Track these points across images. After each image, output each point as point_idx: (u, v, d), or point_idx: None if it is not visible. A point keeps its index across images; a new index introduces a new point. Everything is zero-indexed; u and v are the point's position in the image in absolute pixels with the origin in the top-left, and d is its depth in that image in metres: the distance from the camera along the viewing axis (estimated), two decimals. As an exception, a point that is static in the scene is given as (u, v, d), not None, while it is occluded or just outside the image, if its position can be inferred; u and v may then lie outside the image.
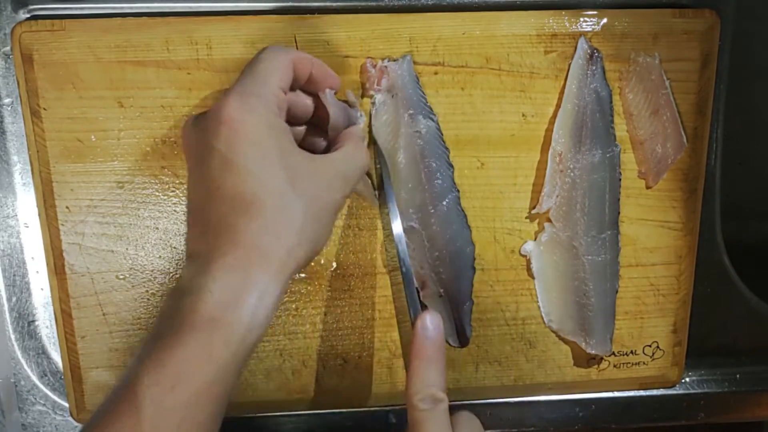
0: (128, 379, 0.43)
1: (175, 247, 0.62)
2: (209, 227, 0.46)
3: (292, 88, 0.53)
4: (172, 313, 0.44)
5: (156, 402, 0.42)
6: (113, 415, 0.42)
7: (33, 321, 0.65)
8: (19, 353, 0.65)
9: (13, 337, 0.65)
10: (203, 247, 0.46)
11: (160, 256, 0.62)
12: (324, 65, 0.55)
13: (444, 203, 0.61)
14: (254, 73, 0.49)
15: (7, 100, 0.61)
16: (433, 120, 0.61)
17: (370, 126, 0.61)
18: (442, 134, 0.62)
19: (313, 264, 0.63)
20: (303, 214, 0.47)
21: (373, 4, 0.63)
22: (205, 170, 0.46)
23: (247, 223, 0.45)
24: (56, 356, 0.65)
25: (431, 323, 0.52)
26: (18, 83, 0.59)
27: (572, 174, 0.63)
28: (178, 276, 0.62)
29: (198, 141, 0.47)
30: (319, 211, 0.49)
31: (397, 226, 0.60)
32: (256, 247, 0.45)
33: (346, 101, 0.59)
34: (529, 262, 0.66)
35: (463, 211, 0.62)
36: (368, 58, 0.61)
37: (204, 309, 0.44)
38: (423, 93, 0.61)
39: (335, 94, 0.57)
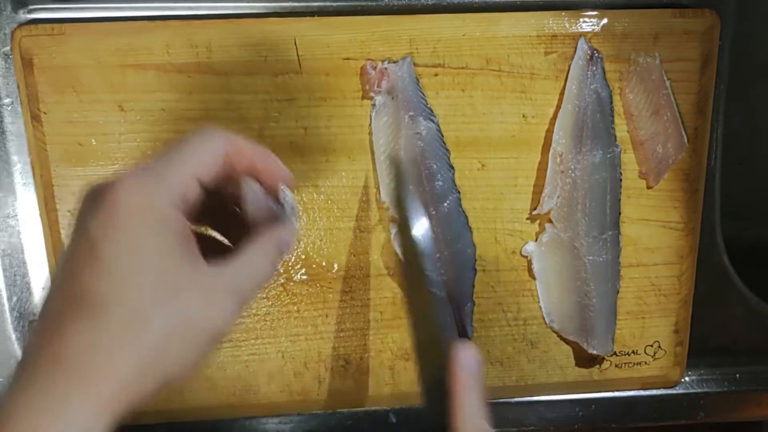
0: None
1: (176, 250, 0.62)
2: (45, 320, 0.37)
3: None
4: None
5: None
6: None
7: (34, 321, 0.65)
8: (19, 353, 0.65)
9: (13, 336, 0.65)
10: (32, 343, 0.37)
11: (161, 259, 0.62)
12: (272, 157, 0.45)
13: (445, 205, 0.61)
14: (169, 154, 0.41)
15: (7, 101, 0.61)
16: (433, 121, 0.61)
17: (370, 129, 0.62)
18: (442, 136, 0.62)
19: (314, 266, 0.63)
20: (160, 336, 0.37)
21: (373, 5, 0.63)
22: (70, 250, 0.38)
23: (79, 331, 0.36)
24: (57, 357, 0.65)
25: (468, 356, 0.48)
26: (18, 87, 0.59)
27: (573, 175, 0.63)
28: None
29: (79, 212, 0.39)
30: (187, 334, 0.38)
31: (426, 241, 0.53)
32: (79, 366, 0.35)
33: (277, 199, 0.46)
34: (530, 262, 0.66)
35: (464, 212, 0.63)
36: (368, 59, 0.61)
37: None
38: (423, 94, 0.61)
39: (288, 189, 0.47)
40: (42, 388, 0.35)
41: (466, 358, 0.47)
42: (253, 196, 0.44)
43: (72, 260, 0.37)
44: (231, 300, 0.40)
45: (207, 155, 0.42)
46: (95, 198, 0.38)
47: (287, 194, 0.47)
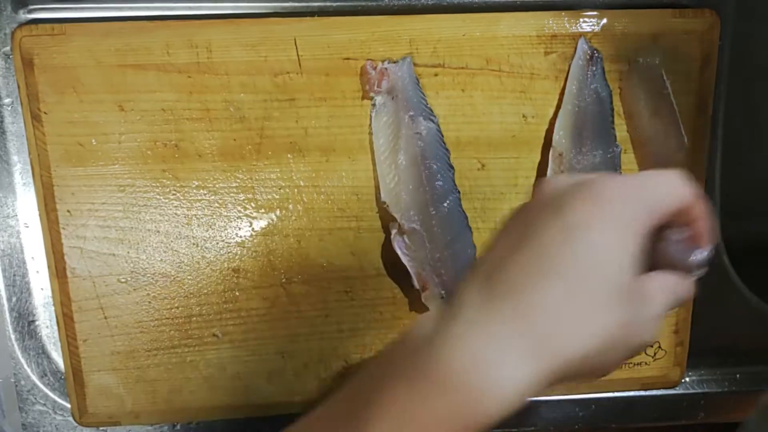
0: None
1: (176, 251, 0.62)
2: (506, 273, 0.39)
3: None
4: (422, 348, 0.38)
5: None
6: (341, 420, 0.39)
7: (33, 321, 0.65)
8: (19, 353, 0.65)
9: (13, 336, 0.65)
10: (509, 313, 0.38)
11: (161, 260, 0.62)
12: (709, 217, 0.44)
13: (445, 204, 0.61)
14: (654, 184, 0.41)
15: (7, 100, 0.61)
16: (433, 122, 0.61)
17: (370, 129, 0.62)
18: (442, 136, 0.62)
19: (314, 266, 0.63)
20: (610, 329, 0.38)
21: (373, 5, 0.63)
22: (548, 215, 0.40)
23: (545, 292, 0.37)
24: (56, 356, 0.65)
25: None
26: (18, 87, 0.59)
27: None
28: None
29: (562, 192, 0.41)
30: (623, 340, 0.40)
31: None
32: (537, 324, 0.37)
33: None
34: (530, 263, 0.66)
35: (464, 212, 0.62)
36: (368, 60, 0.61)
37: (455, 370, 0.36)
38: (423, 95, 0.61)
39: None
40: (525, 355, 0.36)
41: None
42: (675, 238, 0.44)
43: (546, 224, 0.39)
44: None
45: (673, 203, 0.41)
46: (583, 185, 0.40)
47: (703, 254, 0.45)
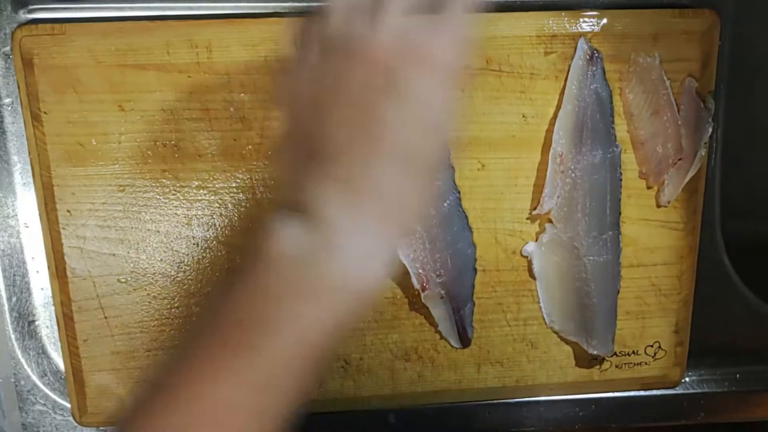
0: (254, 324, 0.40)
1: (176, 250, 0.62)
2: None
3: None
4: (311, 272, 0.40)
5: (285, 367, 0.40)
6: (230, 349, 0.40)
7: (33, 321, 0.65)
8: (19, 353, 0.65)
9: (13, 336, 0.65)
10: (340, 191, 0.40)
11: (161, 260, 0.62)
12: None
13: (445, 204, 0.61)
14: None
15: (7, 100, 0.61)
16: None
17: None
18: (442, 136, 0.62)
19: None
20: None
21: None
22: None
23: (423, 178, 0.42)
24: (56, 356, 0.65)
25: None
26: (18, 87, 0.59)
27: (573, 175, 0.63)
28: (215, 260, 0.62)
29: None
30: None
31: None
32: (406, 210, 0.42)
33: None
34: (530, 263, 0.66)
35: (464, 212, 0.62)
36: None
37: (353, 274, 0.40)
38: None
39: None
40: (369, 228, 0.41)
41: None
42: None
43: (391, 110, 0.40)
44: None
45: None
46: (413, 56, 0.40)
47: None
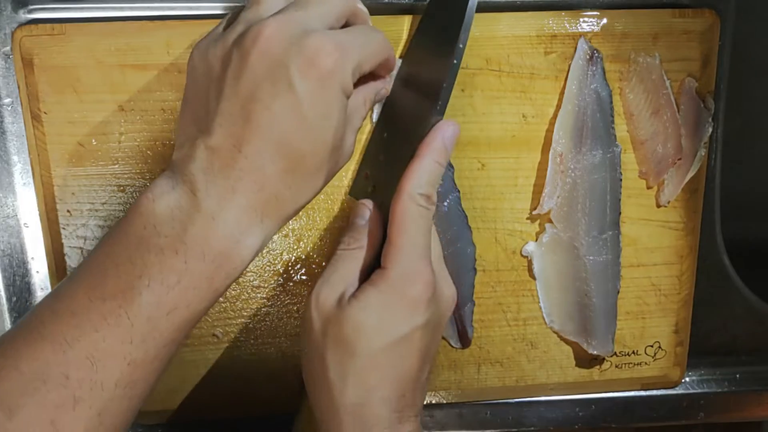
0: (125, 290, 0.43)
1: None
2: (256, 151, 0.45)
3: None
4: (176, 231, 0.44)
5: (152, 322, 0.43)
6: (105, 320, 0.43)
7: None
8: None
9: (13, 337, 0.65)
10: (226, 165, 0.45)
11: (161, 259, 0.62)
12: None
13: (445, 204, 0.61)
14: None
15: (7, 100, 0.61)
16: (432, 124, 0.61)
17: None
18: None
19: (314, 266, 0.63)
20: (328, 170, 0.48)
21: (374, 5, 0.63)
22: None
23: (293, 166, 0.46)
24: (57, 357, 0.65)
25: (453, 132, 0.51)
26: (18, 87, 0.59)
27: (573, 174, 0.63)
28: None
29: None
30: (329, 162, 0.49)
31: None
32: (284, 196, 0.46)
33: None
34: (530, 262, 0.66)
35: (464, 212, 0.62)
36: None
37: (216, 242, 0.44)
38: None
39: None
40: (249, 208, 0.45)
41: (446, 131, 0.51)
42: None
43: (272, 98, 0.44)
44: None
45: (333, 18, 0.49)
46: (301, 57, 0.45)
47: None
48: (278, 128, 0.44)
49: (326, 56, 0.44)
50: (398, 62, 0.57)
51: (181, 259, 0.43)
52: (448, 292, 0.54)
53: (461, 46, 0.52)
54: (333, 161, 0.48)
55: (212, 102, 0.45)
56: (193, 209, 0.44)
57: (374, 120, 0.60)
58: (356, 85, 0.49)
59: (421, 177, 0.50)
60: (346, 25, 0.51)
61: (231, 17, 0.49)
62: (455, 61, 0.52)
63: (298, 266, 0.64)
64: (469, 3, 0.52)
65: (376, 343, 0.48)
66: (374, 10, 0.61)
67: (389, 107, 0.58)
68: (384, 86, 0.55)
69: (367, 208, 0.55)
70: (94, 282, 0.44)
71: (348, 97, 0.47)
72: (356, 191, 0.57)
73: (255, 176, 0.45)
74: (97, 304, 0.43)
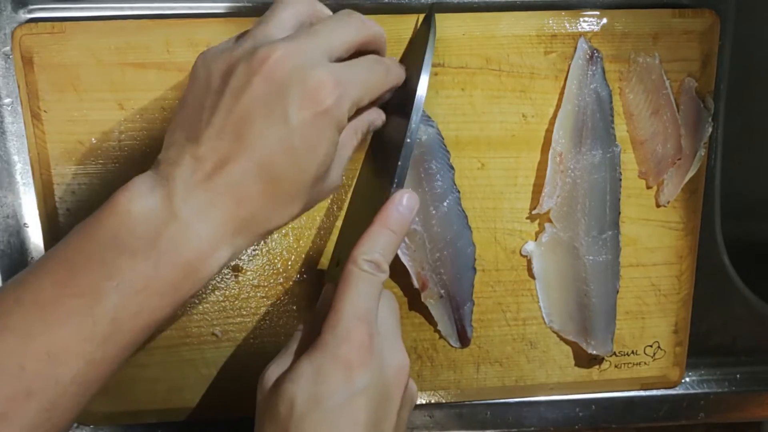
0: (93, 290, 0.43)
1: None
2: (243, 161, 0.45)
3: None
4: (150, 236, 0.44)
5: (115, 324, 0.44)
6: (69, 317, 0.43)
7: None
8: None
9: (13, 337, 0.65)
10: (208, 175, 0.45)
11: (160, 258, 0.62)
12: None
13: (445, 204, 0.61)
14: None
15: (7, 100, 0.61)
16: (432, 126, 0.61)
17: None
18: (442, 137, 0.61)
19: (314, 266, 0.63)
20: (305, 201, 0.48)
21: (373, 5, 0.63)
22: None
23: (273, 190, 0.46)
24: (57, 357, 0.65)
25: (408, 201, 0.51)
26: (18, 86, 0.59)
27: (573, 174, 0.63)
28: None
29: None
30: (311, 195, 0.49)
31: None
32: (259, 216, 0.46)
33: None
34: (529, 262, 0.66)
35: (463, 211, 0.62)
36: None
37: (187, 252, 0.44)
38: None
39: None
40: (227, 225, 0.45)
41: (401, 203, 0.51)
42: None
43: (266, 124, 0.45)
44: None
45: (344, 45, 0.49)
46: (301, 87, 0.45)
47: None
48: (266, 152, 0.44)
49: (326, 94, 0.45)
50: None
51: (151, 264, 0.43)
52: (396, 361, 0.49)
53: (413, 125, 0.52)
54: (315, 191, 0.48)
55: (206, 112, 0.45)
56: (169, 216, 0.44)
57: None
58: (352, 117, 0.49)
59: (370, 243, 0.49)
60: (357, 53, 0.50)
61: (240, 33, 0.49)
62: (408, 140, 0.52)
63: (298, 266, 0.64)
64: (420, 82, 0.53)
65: (309, 414, 0.45)
66: (375, 10, 0.61)
67: (360, 182, 0.58)
68: (379, 117, 0.55)
69: (328, 290, 0.54)
70: (63, 276, 0.43)
71: (340, 133, 0.47)
72: (329, 276, 0.57)
73: (235, 194, 0.45)
74: (64, 300, 0.43)
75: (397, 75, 0.53)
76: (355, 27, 0.49)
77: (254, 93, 0.44)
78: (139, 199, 0.44)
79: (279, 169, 0.45)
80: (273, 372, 0.49)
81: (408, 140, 0.52)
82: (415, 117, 0.53)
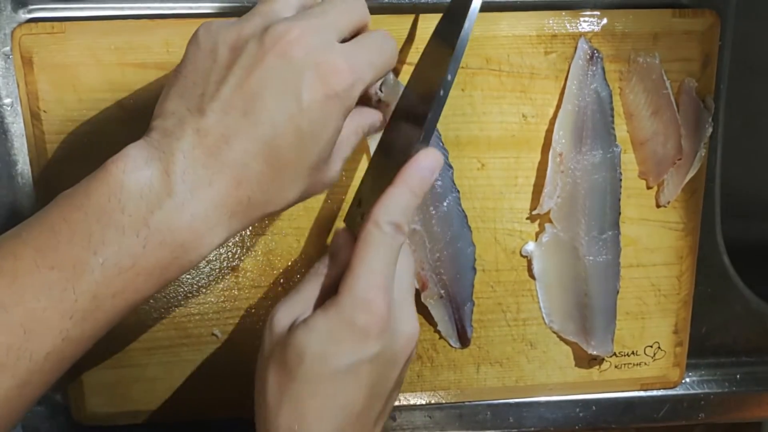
0: (76, 263, 0.41)
1: (175, 249, 0.62)
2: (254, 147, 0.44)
3: None
4: (142, 212, 0.42)
5: (96, 301, 0.42)
6: (49, 290, 0.41)
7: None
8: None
9: (13, 338, 0.65)
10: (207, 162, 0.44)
11: (160, 258, 0.62)
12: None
13: (444, 204, 0.61)
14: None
15: (7, 101, 0.61)
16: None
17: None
18: (440, 136, 0.62)
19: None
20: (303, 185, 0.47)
21: (373, 4, 0.62)
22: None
23: (274, 172, 0.45)
24: (56, 357, 0.65)
25: (431, 162, 0.49)
26: (18, 86, 0.59)
27: (573, 174, 0.63)
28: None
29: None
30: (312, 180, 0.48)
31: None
32: (257, 198, 0.45)
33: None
34: (530, 262, 0.66)
35: (463, 211, 0.62)
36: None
37: (179, 233, 0.43)
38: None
39: None
40: (224, 208, 0.44)
41: (423, 163, 0.49)
42: None
43: (276, 101, 0.44)
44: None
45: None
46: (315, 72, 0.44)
47: (389, 78, 0.56)
48: (272, 131, 0.44)
49: (340, 78, 0.44)
50: (401, 88, 0.57)
51: (140, 242, 0.42)
52: (408, 328, 0.50)
53: (449, 78, 0.51)
54: (313, 179, 0.47)
55: (212, 85, 0.44)
56: (163, 193, 0.42)
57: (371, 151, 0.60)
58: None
59: (391, 204, 0.48)
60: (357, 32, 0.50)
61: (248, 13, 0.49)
62: (441, 93, 0.51)
63: (298, 266, 0.64)
64: (461, 34, 0.51)
65: (316, 370, 0.46)
66: (375, 10, 0.61)
67: (386, 135, 0.58)
68: (379, 118, 0.54)
69: (342, 234, 0.53)
70: (44, 245, 0.42)
71: (345, 119, 0.47)
72: (349, 219, 0.57)
73: (235, 173, 0.44)
74: (44, 271, 0.41)
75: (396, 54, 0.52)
76: (361, 7, 0.49)
77: (267, 69, 0.43)
78: (133, 171, 0.43)
79: (283, 149, 0.44)
80: (284, 316, 0.49)
81: (441, 93, 0.51)
82: (453, 66, 0.51)
